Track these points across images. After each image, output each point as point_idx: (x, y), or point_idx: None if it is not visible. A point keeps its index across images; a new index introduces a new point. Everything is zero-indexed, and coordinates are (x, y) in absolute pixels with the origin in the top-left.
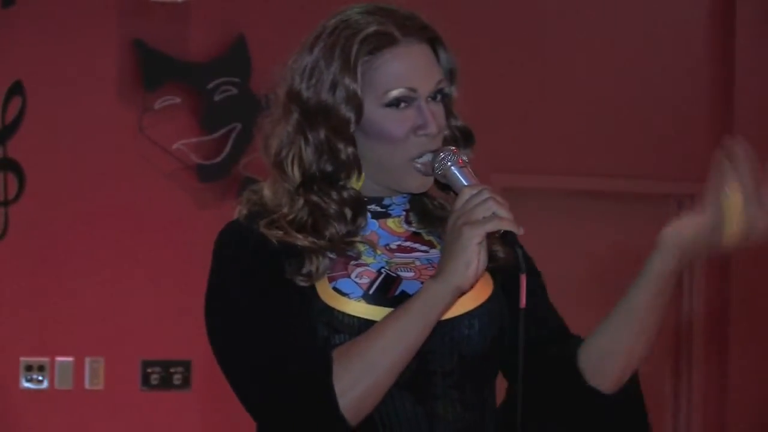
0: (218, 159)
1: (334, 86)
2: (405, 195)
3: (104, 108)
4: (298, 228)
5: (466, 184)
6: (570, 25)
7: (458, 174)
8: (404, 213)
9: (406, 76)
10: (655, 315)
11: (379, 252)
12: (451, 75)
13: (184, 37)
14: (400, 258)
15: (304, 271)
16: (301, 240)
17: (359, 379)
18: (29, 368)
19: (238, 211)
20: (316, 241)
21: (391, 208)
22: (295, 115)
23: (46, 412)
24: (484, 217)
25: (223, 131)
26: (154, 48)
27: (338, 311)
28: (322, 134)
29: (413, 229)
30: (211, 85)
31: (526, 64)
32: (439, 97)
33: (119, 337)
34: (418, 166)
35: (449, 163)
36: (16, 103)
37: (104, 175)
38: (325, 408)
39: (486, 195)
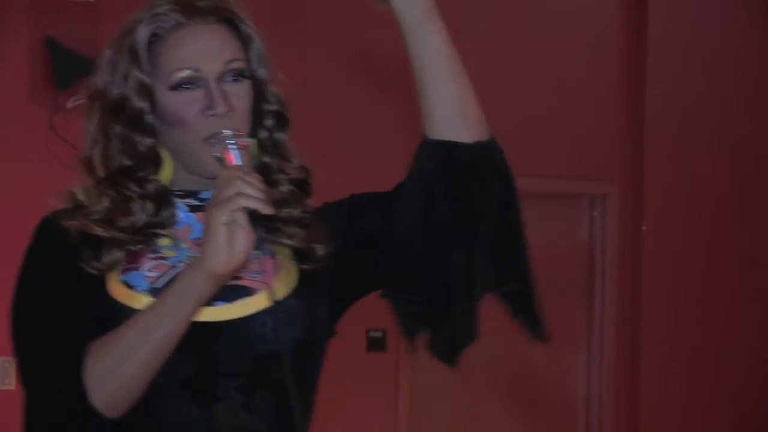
0: None
1: (125, 78)
2: None
3: (15, 107)
4: (100, 221)
5: (233, 165)
6: (481, 23)
7: (233, 156)
8: None
9: (190, 58)
10: (441, 47)
11: (184, 245)
12: (260, 56)
13: (96, 36)
14: None
15: (98, 261)
16: (100, 231)
17: (111, 370)
18: None
19: (51, 207)
20: (114, 233)
21: (208, 201)
22: (97, 113)
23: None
24: (229, 197)
25: None
26: (66, 47)
27: (122, 304)
28: (118, 128)
29: None
30: None
31: None
32: (239, 78)
33: None
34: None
35: (229, 143)
36: None
37: (15, 174)
38: (75, 400)
39: (236, 174)
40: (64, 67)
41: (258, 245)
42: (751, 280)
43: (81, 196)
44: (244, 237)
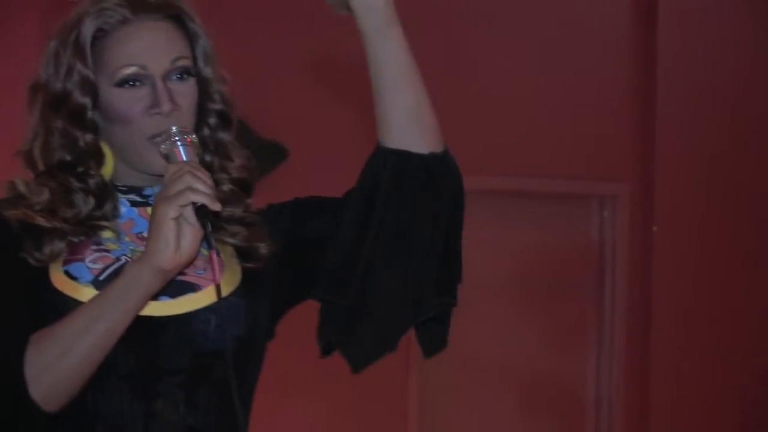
0: None
1: (69, 72)
2: None
3: (25, 105)
4: (42, 211)
5: (181, 161)
6: (493, 24)
7: (180, 152)
8: None
9: (136, 54)
10: (399, 53)
11: (127, 239)
12: (206, 55)
13: None
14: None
15: (39, 252)
16: (41, 221)
17: (51, 364)
18: None
19: None
20: (56, 223)
21: (152, 198)
22: (39, 106)
23: None
24: (178, 192)
25: None
26: None
27: (65, 295)
28: (60, 123)
29: None
30: None
31: (447, 64)
32: (185, 76)
33: None
34: (159, 147)
35: (176, 139)
36: None
37: (22, 171)
38: (14, 392)
39: (185, 169)
40: None
41: (209, 241)
42: (760, 281)
43: (21, 188)
44: (191, 233)
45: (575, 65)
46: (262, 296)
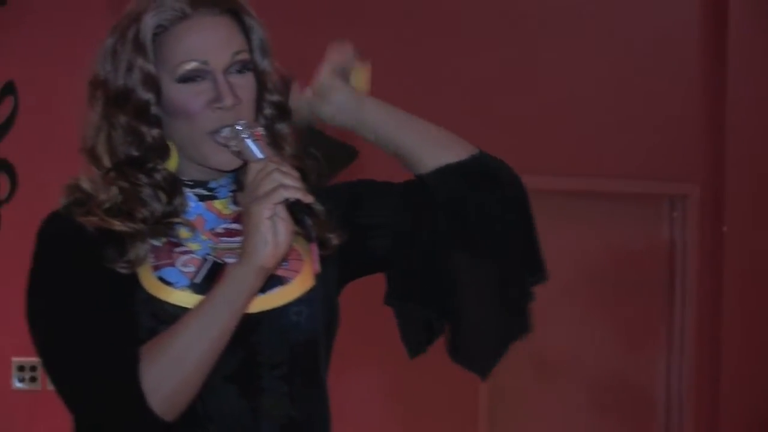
0: None
1: (130, 68)
2: (230, 176)
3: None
4: (115, 214)
5: (260, 158)
6: (562, 25)
7: (253, 148)
8: (231, 194)
9: (197, 49)
10: (383, 123)
11: (204, 237)
12: (262, 47)
13: None
14: (225, 243)
15: (125, 258)
16: (118, 225)
17: (167, 375)
18: (21, 368)
19: (60, 202)
20: (132, 225)
21: (217, 191)
22: (100, 102)
23: (39, 413)
24: (270, 190)
25: None
26: None
27: (162, 301)
28: (123, 119)
29: (242, 209)
30: None
31: (516, 64)
32: (244, 70)
33: None
34: (220, 140)
35: (244, 136)
36: (8, 104)
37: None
38: (134, 406)
39: (272, 167)
40: None
41: (309, 235)
42: None
43: (86, 185)
44: (284, 228)
45: (647, 66)
46: (332, 281)
